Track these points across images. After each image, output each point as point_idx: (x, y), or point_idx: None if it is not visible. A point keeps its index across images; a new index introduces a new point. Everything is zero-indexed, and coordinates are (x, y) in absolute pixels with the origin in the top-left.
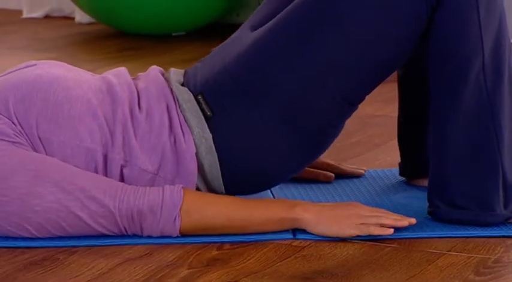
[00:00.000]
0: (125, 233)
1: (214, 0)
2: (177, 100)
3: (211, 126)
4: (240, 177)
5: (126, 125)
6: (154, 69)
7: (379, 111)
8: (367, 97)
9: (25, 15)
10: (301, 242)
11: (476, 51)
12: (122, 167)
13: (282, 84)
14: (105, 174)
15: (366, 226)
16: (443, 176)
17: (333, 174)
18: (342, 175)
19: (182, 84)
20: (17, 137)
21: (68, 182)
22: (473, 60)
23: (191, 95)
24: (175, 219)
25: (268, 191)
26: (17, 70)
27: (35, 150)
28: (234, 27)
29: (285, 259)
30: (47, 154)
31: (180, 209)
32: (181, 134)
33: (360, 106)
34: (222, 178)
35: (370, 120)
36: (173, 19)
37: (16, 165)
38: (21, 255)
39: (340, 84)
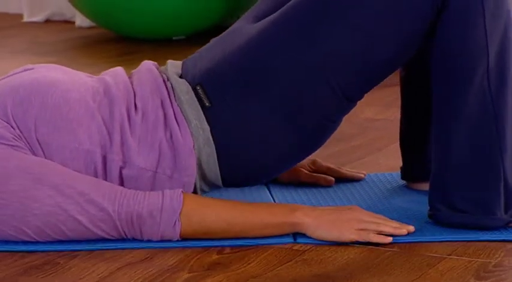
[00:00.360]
0: (125, 237)
1: (215, 4)
2: (175, 92)
3: (209, 117)
4: (237, 169)
5: (124, 125)
6: (147, 63)
7: (379, 115)
8: (367, 102)
9: (26, 19)
10: (301, 246)
11: (481, 54)
12: (121, 168)
13: (283, 76)
14: (105, 175)
15: (365, 232)
16: (444, 179)
17: (333, 178)
18: (342, 179)
19: (180, 76)
20: (16, 140)
21: (67, 185)
22: (477, 62)
23: (189, 86)
24: (175, 223)
25: (269, 194)
26: (14, 74)
27: (34, 153)
28: None
29: (285, 263)
30: (46, 157)
31: (180, 214)
32: (177, 127)
33: (360, 110)
34: (220, 170)
35: (370, 124)
36: (174, 23)
37: (15, 168)
38: (22, 260)
39: (341, 79)
